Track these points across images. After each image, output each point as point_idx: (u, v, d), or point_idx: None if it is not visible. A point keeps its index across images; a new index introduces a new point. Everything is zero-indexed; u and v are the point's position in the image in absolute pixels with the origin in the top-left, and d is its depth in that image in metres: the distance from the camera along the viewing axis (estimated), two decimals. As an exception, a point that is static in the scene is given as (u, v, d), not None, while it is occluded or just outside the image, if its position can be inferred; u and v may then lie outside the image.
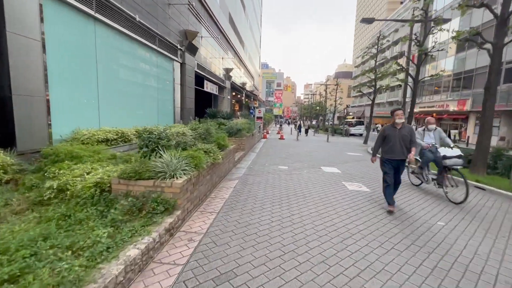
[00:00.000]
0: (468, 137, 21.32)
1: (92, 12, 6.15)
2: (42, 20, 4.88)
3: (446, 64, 25.40)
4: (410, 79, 12.75)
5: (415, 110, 20.59)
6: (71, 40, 5.76)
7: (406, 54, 12.86)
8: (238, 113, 23.77)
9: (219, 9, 17.68)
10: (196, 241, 2.91)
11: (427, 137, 5.69)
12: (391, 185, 4.32)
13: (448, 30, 10.85)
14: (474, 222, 3.91)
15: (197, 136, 5.23)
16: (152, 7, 8.83)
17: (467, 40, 7.91)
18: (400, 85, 37.47)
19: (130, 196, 3.23)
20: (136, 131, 6.44)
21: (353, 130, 28.57)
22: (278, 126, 37.61)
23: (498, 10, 7.16)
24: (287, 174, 6.79)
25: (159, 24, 9.41)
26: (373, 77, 17.21)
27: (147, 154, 3.85)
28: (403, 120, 4.32)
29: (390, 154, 4.32)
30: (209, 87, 16.34)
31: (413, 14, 13.17)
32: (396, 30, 44.60)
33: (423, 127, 5.88)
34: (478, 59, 20.94)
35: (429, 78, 11.90)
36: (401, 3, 56.19)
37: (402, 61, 23.35)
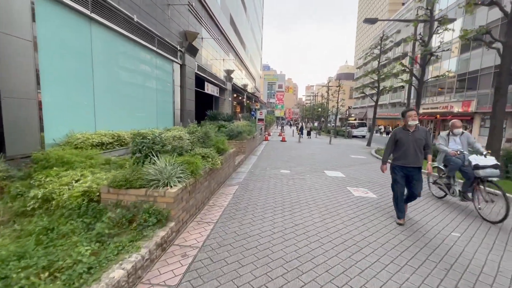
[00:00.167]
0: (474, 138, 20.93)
1: (87, 12, 5.95)
2: (34, 19, 4.69)
3: (449, 65, 25.07)
4: (413, 80, 12.48)
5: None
6: (65, 41, 5.56)
7: (410, 54, 12.58)
8: (240, 115, 23.56)
9: (219, 10, 17.52)
10: (190, 257, 2.66)
11: (453, 143, 4.93)
12: (400, 197, 3.89)
13: (453, 30, 10.57)
14: (491, 233, 3.64)
15: (195, 140, 4.99)
16: (151, 8, 8.64)
17: (475, 39, 7.64)
18: (402, 87, 37.18)
19: (120, 207, 3.00)
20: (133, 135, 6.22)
21: (355, 132, 28.25)
22: (279, 128, 37.36)
23: (508, 8, 6.88)
24: (289, 178, 6.53)
25: (158, 25, 9.22)
26: (376, 78, 16.94)
27: (140, 160, 3.61)
28: (417, 122, 3.81)
29: (402, 161, 3.84)
30: (209, 89, 16.15)
31: (417, 14, 12.92)
32: (398, 31, 44.35)
33: (447, 131, 5.14)
34: (483, 59, 20.62)
35: (433, 79, 11.63)
36: (403, 4, 55.96)
37: (405, 61, 23.05)
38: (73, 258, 2.10)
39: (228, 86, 20.52)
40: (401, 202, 3.91)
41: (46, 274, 1.92)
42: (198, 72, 13.44)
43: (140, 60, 8.59)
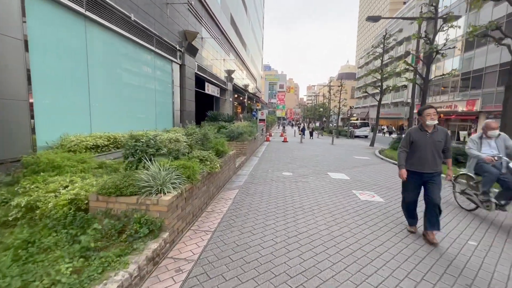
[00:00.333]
0: (479, 138, 20.57)
1: (82, 10, 5.74)
2: (24, 16, 4.48)
3: (453, 64, 24.72)
4: (417, 79, 12.19)
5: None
6: (59, 40, 5.35)
7: (413, 52, 12.30)
8: (240, 115, 23.35)
9: (220, 9, 17.31)
10: (185, 272, 2.42)
11: (486, 147, 4.24)
12: (412, 205, 3.54)
13: (459, 27, 10.28)
14: (511, 241, 3.37)
15: (193, 143, 4.76)
16: (148, 6, 8.44)
17: (483, 36, 7.36)
18: (405, 86, 36.80)
19: (109, 216, 2.77)
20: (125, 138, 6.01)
21: (358, 132, 27.95)
22: (281, 128, 37.10)
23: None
24: (292, 181, 6.28)
25: (156, 24, 9.02)
26: (379, 77, 16.65)
27: (133, 164, 3.39)
28: (436, 122, 3.26)
29: (417, 166, 3.34)
30: (210, 89, 15.94)
31: (421, 11, 12.64)
32: (400, 30, 43.98)
33: (480, 133, 4.46)
34: (488, 57, 20.26)
35: (440, 77, 11.35)
36: (404, 3, 55.55)
37: (409, 60, 22.73)
38: (51, 278, 1.87)
39: (229, 87, 20.31)
40: (412, 210, 3.58)
41: (19, 297, 1.69)
42: (198, 73, 13.23)
43: (138, 60, 8.38)
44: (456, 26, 10.03)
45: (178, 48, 10.84)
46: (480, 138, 4.38)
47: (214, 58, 16.61)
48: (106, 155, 5.47)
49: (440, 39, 10.58)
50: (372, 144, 16.75)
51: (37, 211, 2.76)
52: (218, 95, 18.22)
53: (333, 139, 18.81)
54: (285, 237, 3.23)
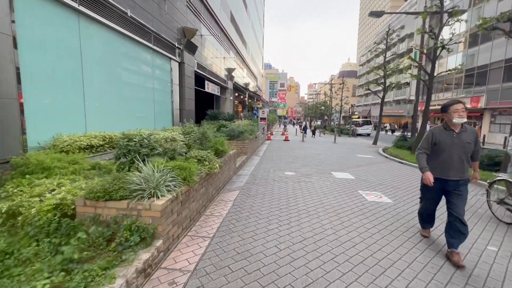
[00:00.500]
0: (484, 135, 20.23)
1: (75, 5, 5.51)
2: (12, 11, 4.25)
3: (456, 60, 24.34)
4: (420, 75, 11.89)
5: (422, 108, 19.65)
6: (50, 36, 5.11)
7: (417, 48, 12.01)
8: (241, 114, 23.10)
9: (219, 6, 17.04)
10: (179, 285, 2.19)
11: None
12: (430, 214, 3.21)
13: (466, 21, 9.97)
14: (533, 246, 3.12)
15: (190, 142, 4.53)
16: (146, 2, 8.19)
17: (493, 29, 7.07)
18: (407, 83, 36.40)
19: (98, 222, 2.54)
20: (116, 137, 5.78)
21: (360, 130, 27.62)
22: (282, 127, 36.84)
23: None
24: (294, 182, 6.04)
25: (154, 21, 8.77)
26: (382, 74, 16.35)
27: (125, 165, 3.16)
28: (465, 119, 2.78)
29: (441, 172, 2.88)
30: (210, 88, 15.69)
31: (425, 5, 12.34)
32: (402, 27, 43.50)
33: None
34: (493, 53, 19.89)
35: (446, 73, 11.05)
36: (405, 0, 54.99)
37: (412, 56, 22.35)
38: (25, 297, 1.65)
39: (229, 85, 20.06)
40: (429, 217, 3.25)
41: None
42: (197, 71, 12.99)
43: (136, 58, 8.14)
44: (462, 20, 9.73)
45: (176, 45, 10.60)
46: None
47: (214, 56, 16.35)
48: (101, 156, 5.25)
49: (444, 34, 10.26)
50: (375, 143, 16.47)
51: (19, 218, 2.54)
52: (219, 94, 17.97)
53: (335, 138, 18.54)
54: (289, 243, 2.99)
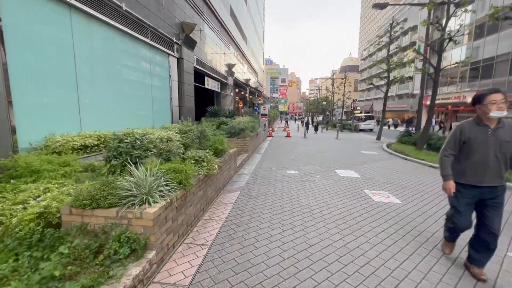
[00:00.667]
0: (489, 130, 19.88)
1: (66, -2, 5.25)
2: (-4, 4, 4.01)
3: (461, 53, 23.82)
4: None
5: (427, 102, 19.28)
6: (41, 31, 4.87)
7: (422, 40, 11.62)
8: (242, 110, 22.83)
9: (219, 0, 16.66)
10: (173, 303, 1.98)
11: None
12: (458, 231, 2.62)
13: (474, 11, 9.60)
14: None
15: (188, 141, 4.30)
16: (141, -5, 7.90)
17: (505, 18, 6.73)
18: (410, 77, 35.85)
19: (85, 232, 2.33)
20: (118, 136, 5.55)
21: (362, 125, 27.25)
22: (284, 122, 36.54)
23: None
24: (297, 181, 5.81)
25: (151, 15, 8.49)
26: (385, 67, 15.97)
27: (116, 168, 2.94)
28: (505, 113, 2.22)
29: (472, 177, 2.37)
30: (210, 84, 15.42)
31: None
32: (405, 20, 42.72)
33: None
34: (500, 45, 19.41)
35: (454, 65, 10.71)
36: (409, -8, 53.90)
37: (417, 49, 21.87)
38: (-7, 326, 1.44)
39: (230, 81, 19.76)
40: (458, 232, 2.66)
41: None
42: (197, 66, 12.71)
43: (132, 53, 7.89)
44: (470, 11, 9.35)
45: (175, 40, 10.32)
46: None
47: (213, 52, 16.04)
48: (96, 156, 5.04)
49: (450, 25, 9.89)
50: (378, 138, 16.17)
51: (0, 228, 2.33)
52: (219, 90, 17.69)
53: (338, 134, 18.25)
54: (294, 251, 2.77)
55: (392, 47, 17.09)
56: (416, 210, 4.14)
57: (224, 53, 18.52)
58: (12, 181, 3.05)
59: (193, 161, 3.72)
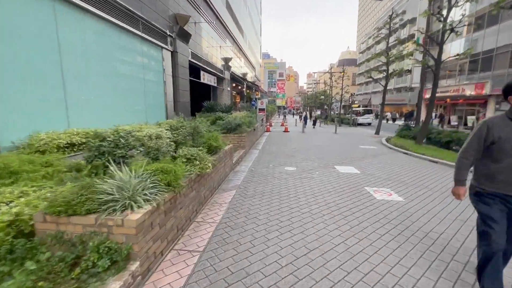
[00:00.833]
0: (488, 123, 19.73)
1: (48, -14, 4.92)
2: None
3: (461, 45, 23.52)
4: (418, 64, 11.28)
5: (426, 96, 19.09)
6: (22, 22, 4.55)
7: (424, 31, 11.34)
8: (239, 105, 22.53)
9: (214, -8, 16.17)
10: (157, 322, 1.77)
11: None
12: (498, 252, 1.90)
13: (476, 1, 9.31)
14: None
15: (180, 138, 4.05)
16: (131, -15, 7.53)
17: (511, 7, 6.48)
18: (409, 70, 35.56)
19: (61, 242, 2.10)
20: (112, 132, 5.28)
21: (361, 119, 27.08)
22: (281, 117, 36.26)
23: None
24: (296, 178, 5.61)
25: (143, 7, 8.13)
26: (385, 60, 15.69)
27: (98, 170, 2.70)
28: None
29: (503, 185, 1.94)
30: (206, 78, 15.07)
31: (432, -14, 11.59)
32: (404, 12, 42.17)
33: None
34: (500, 37, 19.14)
35: (454, 58, 10.46)
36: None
37: (415, 42, 21.53)
38: None
39: (226, 75, 19.38)
40: (496, 262, 1.92)
41: None
42: (192, 60, 12.36)
43: (122, 46, 7.55)
44: (473, 0, 9.07)
45: (168, 33, 9.95)
46: None
47: (209, 45, 15.65)
48: (83, 155, 4.78)
49: (450, 16, 9.60)
50: (377, 132, 15.98)
51: (-34, 238, 2.09)
52: (215, 85, 17.35)
53: (336, 128, 18.04)
54: (293, 257, 2.57)
55: (391, 39, 16.78)
56: (420, 208, 3.95)
57: (220, 46, 18.11)
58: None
59: (184, 160, 3.49)
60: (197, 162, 3.60)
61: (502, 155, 1.92)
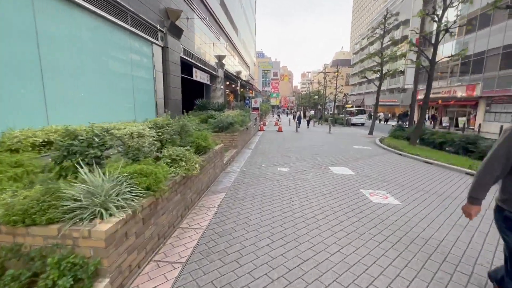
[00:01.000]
0: (480, 124, 20.00)
1: (24, -28, 4.55)
2: None
3: (453, 47, 23.77)
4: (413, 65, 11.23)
5: (419, 97, 19.18)
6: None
7: (419, 32, 11.29)
8: (232, 103, 22.23)
9: (207, -12, 15.83)
10: None
11: None
12: None
13: (471, 2, 9.28)
14: None
15: (166, 137, 3.77)
16: (118, -25, 7.16)
17: (507, 7, 6.41)
18: (402, 71, 35.85)
19: (18, 256, 1.82)
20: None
21: (354, 119, 27.17)
22: (275, 116, 36.10)
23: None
24: (289, 179, 5.39)
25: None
26: (379, 61, 15.65)
27: (68, 172, 2.41)
28: None
29: None
30: (198, 76, 14.72)
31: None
32: (397, 14, 42.51)
33: None
34: (491, 40, 19.37)
35: (449, 58, 10.43)
36: (401, -15, 53.65)
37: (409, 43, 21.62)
38: None
39: (220, 73, 19.05)
40: None
41: None
42: (184, 57, 12.00)
43: (108, 41, 7.18)
44: (468, 1, 9.02)
45: (159, 28, 9.59)
46: None
47: (202, 42, 15.30)
48: (51, 155, 4.45)
49: (445, 17, 9.55)
50: (371, 133, 15.95)
51: None
52: (208, 82, 17.01)
53: (330, 128, 17.96)
54: (285, 269, 2.34)
55: (385, 40, 16.76)
56: (418, 212, 3.78)
57: (213, 44, 17.77)
58: None
59: (169, 161, 3.22)
60: (183, 163, 3.34)
61: None
